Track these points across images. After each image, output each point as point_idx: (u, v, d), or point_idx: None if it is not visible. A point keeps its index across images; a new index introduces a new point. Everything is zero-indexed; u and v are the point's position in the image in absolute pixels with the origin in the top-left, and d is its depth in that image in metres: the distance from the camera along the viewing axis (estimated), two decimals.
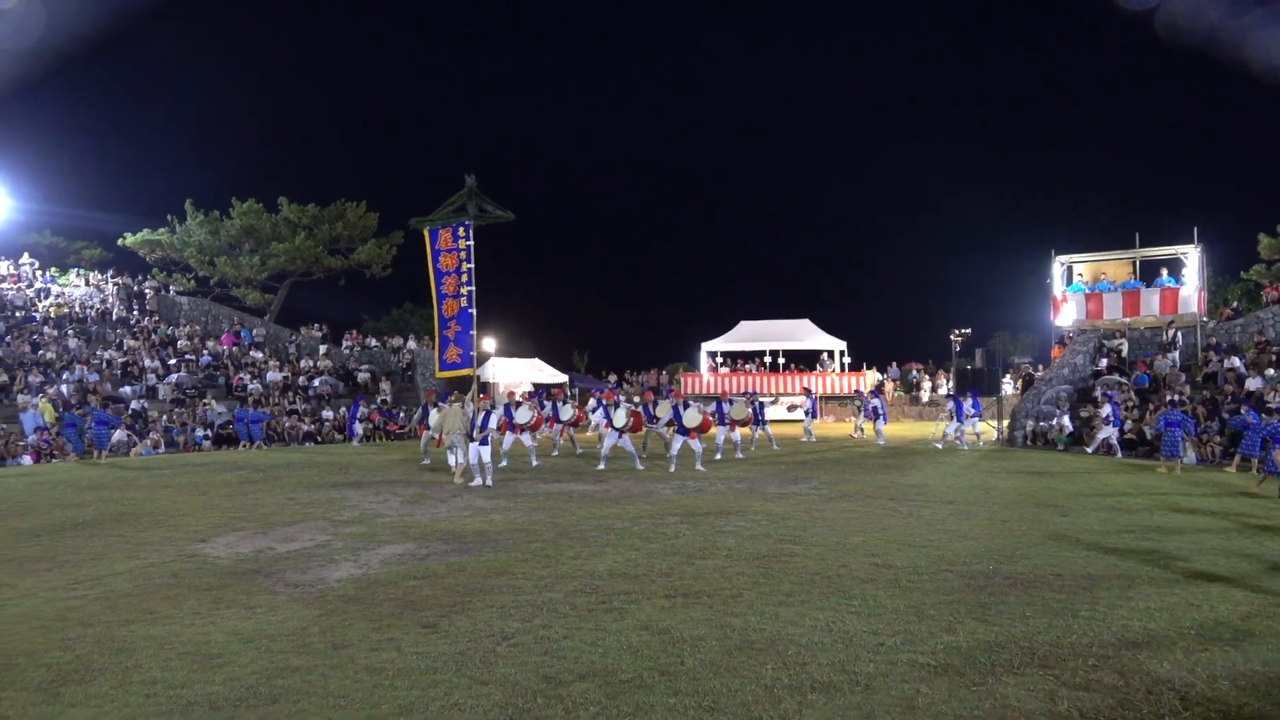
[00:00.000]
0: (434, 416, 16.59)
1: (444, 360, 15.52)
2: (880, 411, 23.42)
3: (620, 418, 17.18)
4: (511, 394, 21.01)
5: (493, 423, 14.45)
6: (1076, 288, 26.60)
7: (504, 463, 18.19)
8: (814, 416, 25.50)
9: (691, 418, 16.83)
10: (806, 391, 26.65)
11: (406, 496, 13.58)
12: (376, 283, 42.90)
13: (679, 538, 9.49)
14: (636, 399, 21.83)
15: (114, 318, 33.81)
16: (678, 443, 16.81)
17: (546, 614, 6.72)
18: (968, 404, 22.87)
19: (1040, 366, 34.03)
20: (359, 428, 26.59)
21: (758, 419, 21.62)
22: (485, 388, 28.88)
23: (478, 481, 14.40)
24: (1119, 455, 19.65)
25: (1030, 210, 68.12)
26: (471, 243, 15.13)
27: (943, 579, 7.61)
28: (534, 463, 17.97)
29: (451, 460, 14.60)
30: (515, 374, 36.00)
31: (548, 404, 21.02)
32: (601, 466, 16.73)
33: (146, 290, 37.50)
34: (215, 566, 8.56)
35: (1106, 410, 20.19)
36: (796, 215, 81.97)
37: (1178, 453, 16.62)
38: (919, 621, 6.45)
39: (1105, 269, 26.44)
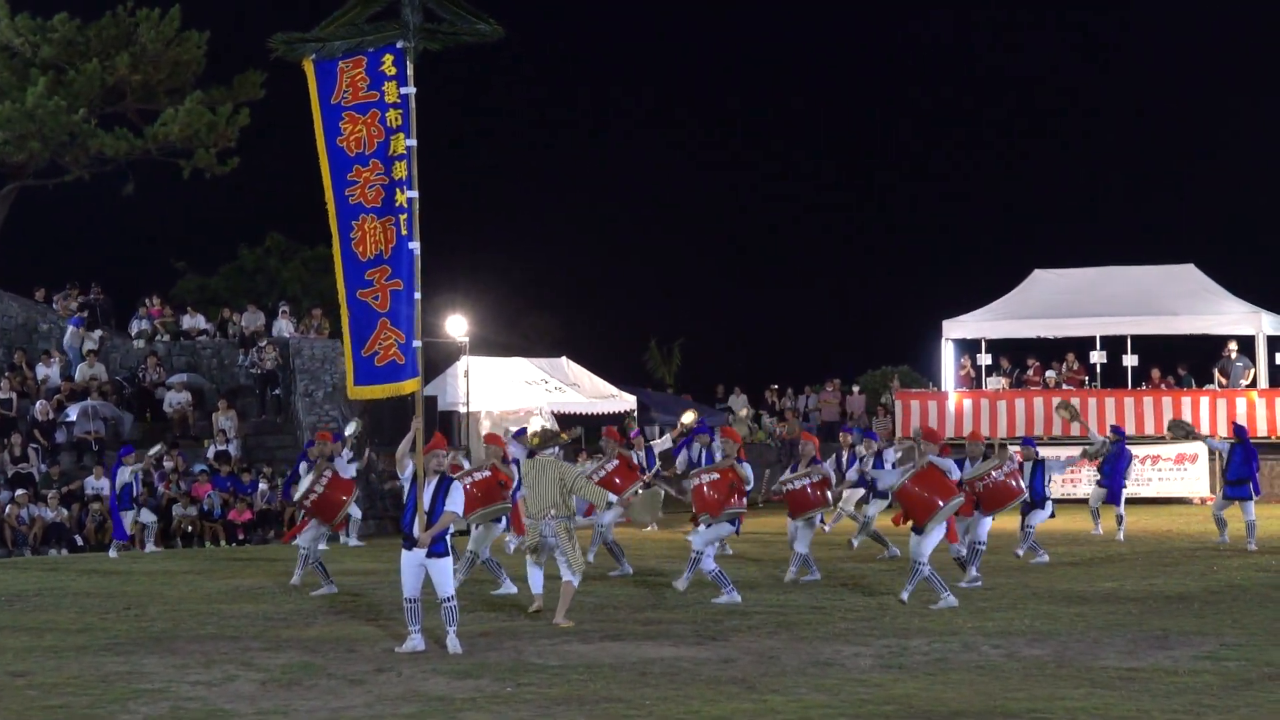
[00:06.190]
0: (305, 481, 14.19)
1: (364, 361, 12.63)
2: None
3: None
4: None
5: (453, 503, 11.45)
6: None
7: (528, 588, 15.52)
8: (1116, 496, 19.16)
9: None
10: (1115, 430, 20.95)
11: (273, 671, 10.86)
12: (205, 191, 34.77)
13: None
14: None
15: None
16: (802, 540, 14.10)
17: None
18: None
19: None
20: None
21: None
22: (446, 423, 23.79)
23: (411, 644, 11.75)
24: None
25: None
26: (412, 90, 12.22)
27: None
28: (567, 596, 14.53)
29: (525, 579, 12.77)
30: (518, 393, 30.18)
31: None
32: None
33: None
34: None
35: None
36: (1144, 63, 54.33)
37: None
38: None
39: None
